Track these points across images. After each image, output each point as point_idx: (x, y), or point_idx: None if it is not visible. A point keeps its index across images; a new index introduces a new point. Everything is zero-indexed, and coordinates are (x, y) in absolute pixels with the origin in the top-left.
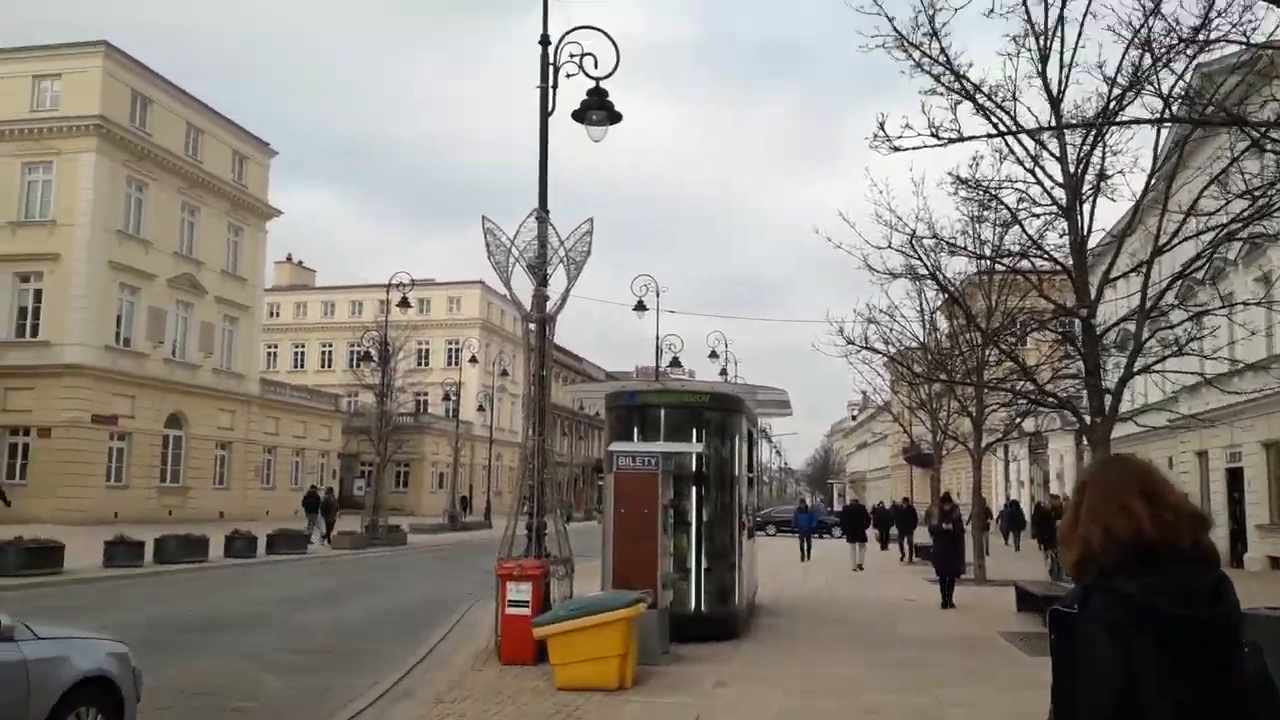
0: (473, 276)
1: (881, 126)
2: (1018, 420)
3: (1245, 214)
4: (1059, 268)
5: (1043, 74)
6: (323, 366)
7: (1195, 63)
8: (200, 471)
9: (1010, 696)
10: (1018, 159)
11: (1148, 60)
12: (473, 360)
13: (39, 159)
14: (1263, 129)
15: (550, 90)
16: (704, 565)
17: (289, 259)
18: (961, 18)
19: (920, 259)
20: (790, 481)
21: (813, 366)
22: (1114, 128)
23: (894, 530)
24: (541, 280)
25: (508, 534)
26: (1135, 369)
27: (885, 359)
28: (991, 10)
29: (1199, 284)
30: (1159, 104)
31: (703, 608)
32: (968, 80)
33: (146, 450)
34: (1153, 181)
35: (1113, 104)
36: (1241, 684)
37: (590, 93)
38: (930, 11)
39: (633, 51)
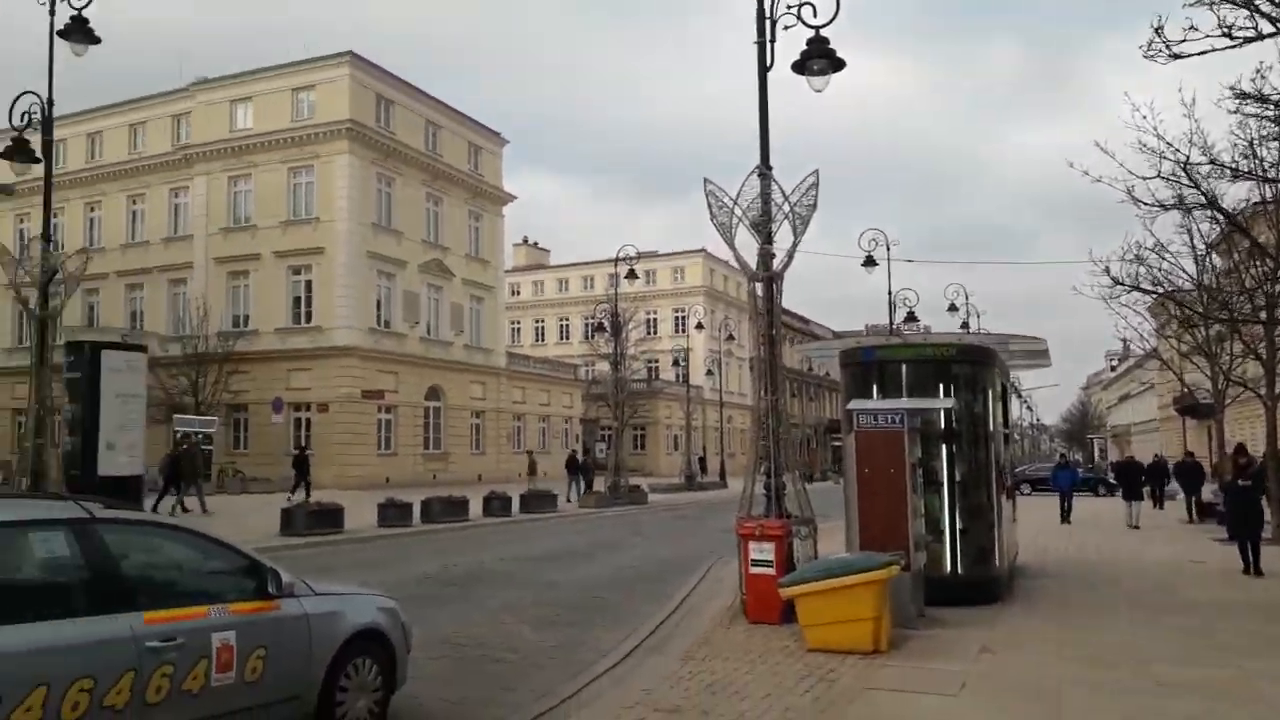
0: (695, 246)
1: (1158, 31)
2: None
3: None
4: None
5: None
6: (561, 339)
7: None
8: (458, 438)
9: None
10: None
11: None
12: (699, 327)
13: (301, 164)
14: None
15: (768, 45)
16: (959, 526)
17: (525, 241)
18: None
19: (1196, 186)
20: (1044, 438)
21: (1063, 317)
22: None
23: (1171, 487)
24: (766, 238)
25: (746, 493)
26: None
27: (1155, 299)
28: None
29: None
30: None
31: (959, 570)
32: None
33: (410, 421)
34: None
35: None
36: None
37: (810, 41)
38: None
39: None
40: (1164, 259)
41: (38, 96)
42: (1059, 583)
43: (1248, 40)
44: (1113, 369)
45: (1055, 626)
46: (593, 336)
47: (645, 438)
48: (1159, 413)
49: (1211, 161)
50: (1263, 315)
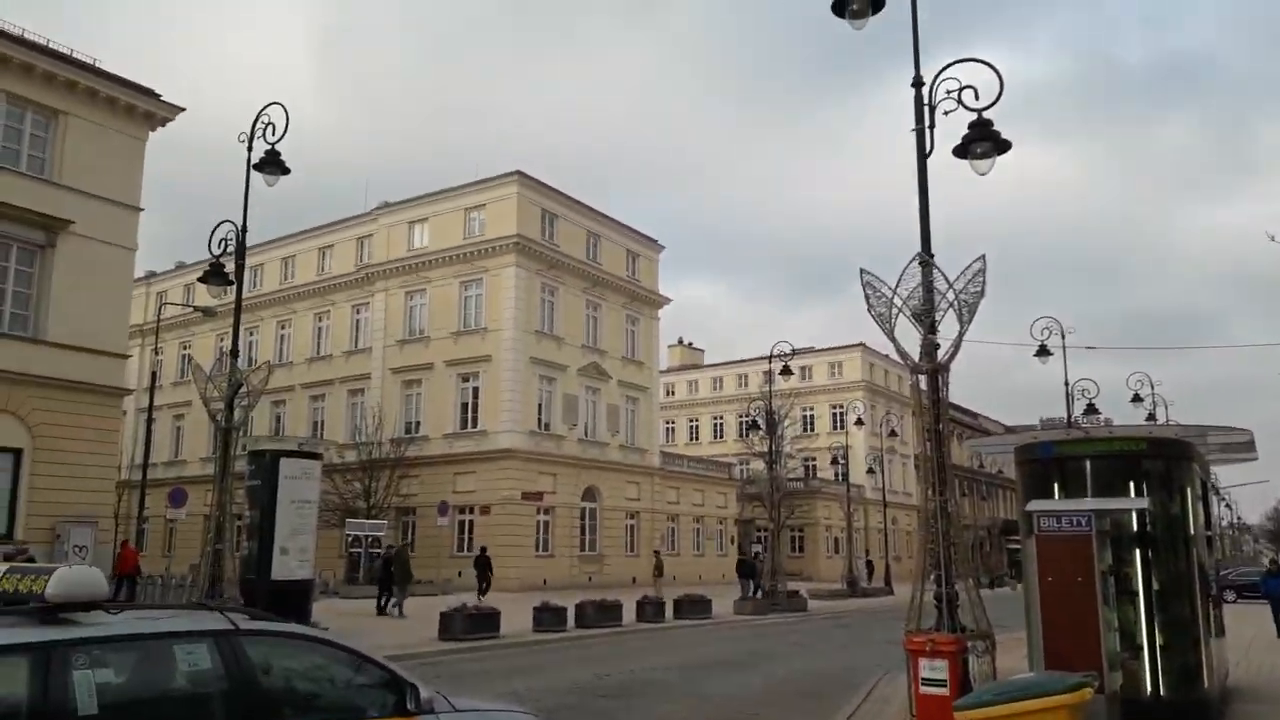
0: (851, 340)
1: None
2: None
3: None
4: None
5: None
6: (715, 438)
7: None
8: (613, 540)
9: None
10: None
11: None
12: (859, 422)
13: (472, 277)
14: None
15: (927, 131)
16: (1159, 641)
17: (680, 341)
18: None
19: None
20: (1247, 539)
21: (1267, 403)
22: None
23: None
24: (930, 328)
25: (914, 604)
26: None
27: None
28: None
29: None
30: None
31: (1162, 691)
32: None
33: (567, 522)
34: None
35: None
36: None
37: (973, 125)
38: None
39: (1005, 93)
40: None
41: (234, 225)
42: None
43: None
44: None
45: None
46: (747, 434)
47: (804, 539)
48: None
49: None
50: None
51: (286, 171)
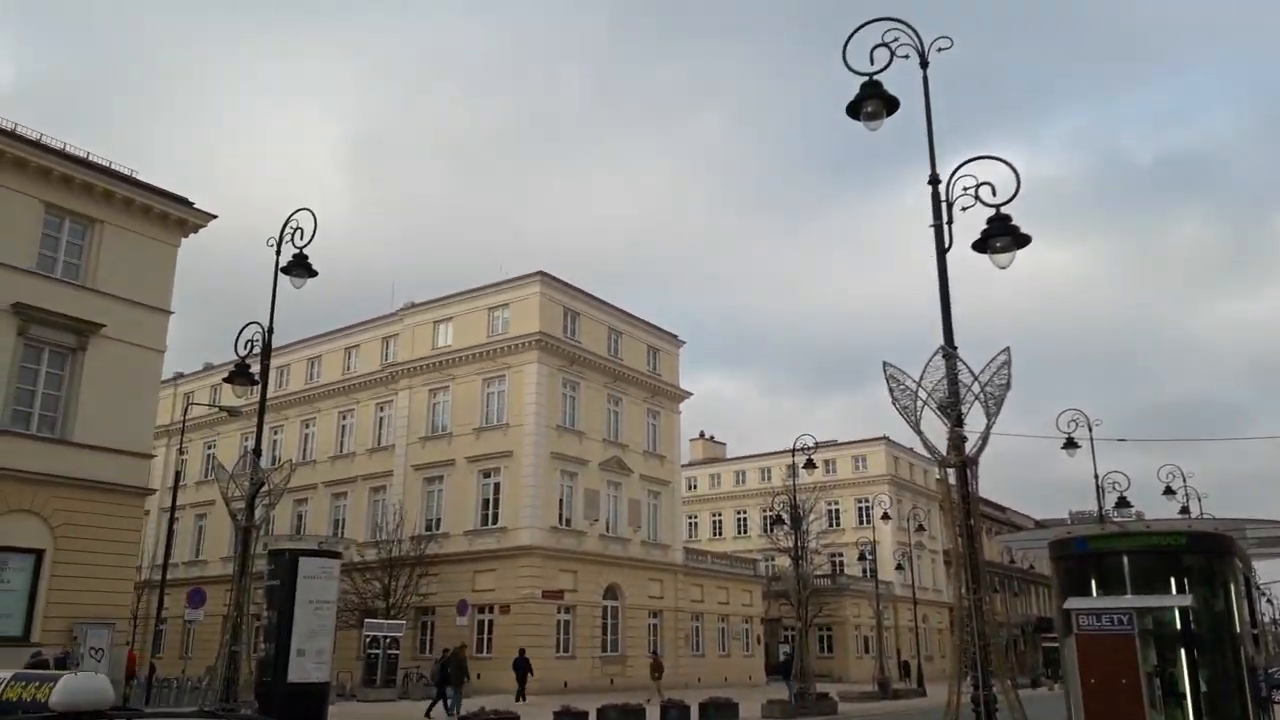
0: (875, 433)
1: None
2: None
3: None
4: None
5: None
6: (739, 533)
7: None
8: (635, 639)
9: None
10: None
11: None
12: (885, 517)
13: (494, 374)
14: None
15: (945, 226)
16: None
17: (701, 435)
18: None
19: None
20: None
21: None
22: None
23: None
24: (956, 420)
25: (951, 707)
26: None
27: None
28: None
29: None
30: None
31: None
32: None
33: (588, 621)
34: None
35: None
36: None
37: (991, 220)
38: None
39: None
40: None
41: (260, 326)
42: None
43: None
44: None
45: None
46: (771, 530)
47: (832, 639)
48: None
49: None
50: None
51: (314, 274)
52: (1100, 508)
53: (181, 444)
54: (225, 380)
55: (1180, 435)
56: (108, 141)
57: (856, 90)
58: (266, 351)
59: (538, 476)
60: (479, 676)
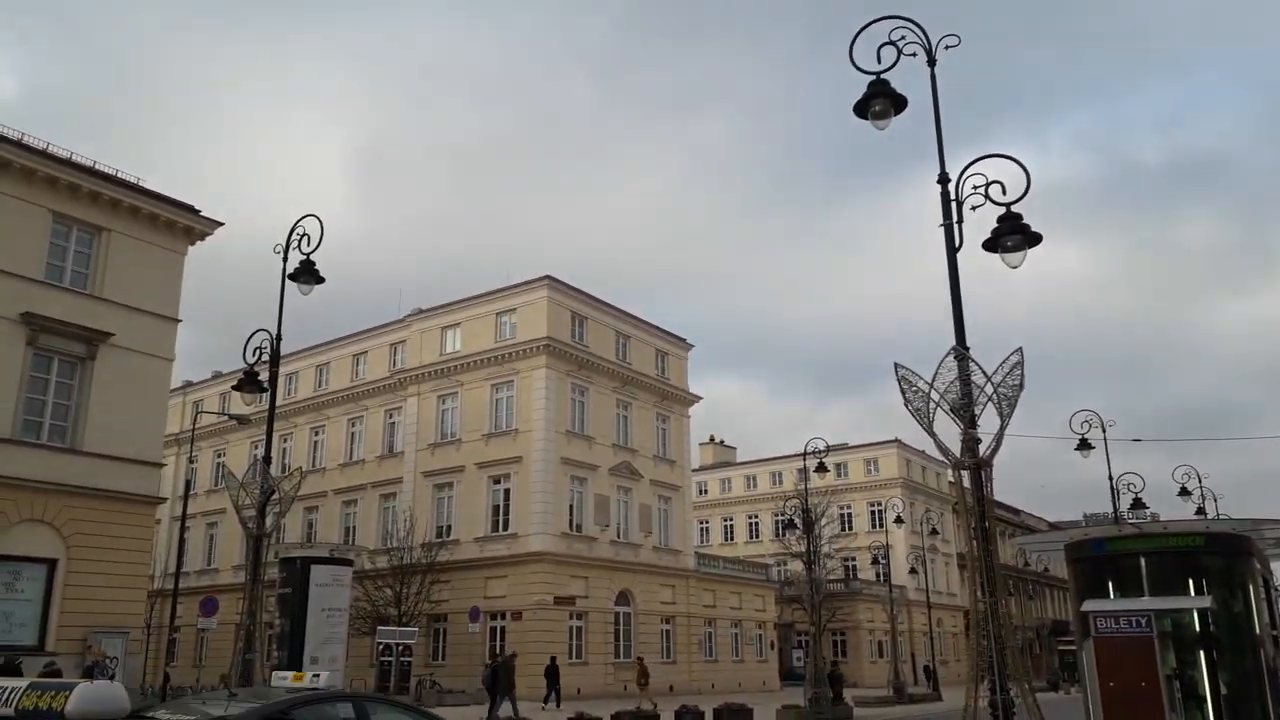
0: (886, 436)
1: None
2: None
3: None
4: None
5: None
6: (750, 537)
7: None
8: (648, 645)
9: None
10: None
11: None
12: (898, 520)
13: (503, 380)
14: None
15: (956, 226)
16: None
17: (711, 439)
18: None
19: None
20: None
21: None
22: None
23: None
24: (969, 422)
25: (968, 710)
26: None
27: None
28: None
29: None
30: None
31: None
32: None
33: (600, 628)
34: None
35: None
36: None
37: (1001, 219)
38: None
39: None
40: None
41: (269, 334)
42: None
43: None
44: None
45: None
46: (783, 534)
47: (846, 644)
48: None
49: None
50: None
51: (321, 281)
52: (1115, 509)
53: (191, 452)
54: (234, 388)
55: (1194, 435)
56: (113, 150)
57: (864, 89)
58: (275, 359)
59: (548, 482)
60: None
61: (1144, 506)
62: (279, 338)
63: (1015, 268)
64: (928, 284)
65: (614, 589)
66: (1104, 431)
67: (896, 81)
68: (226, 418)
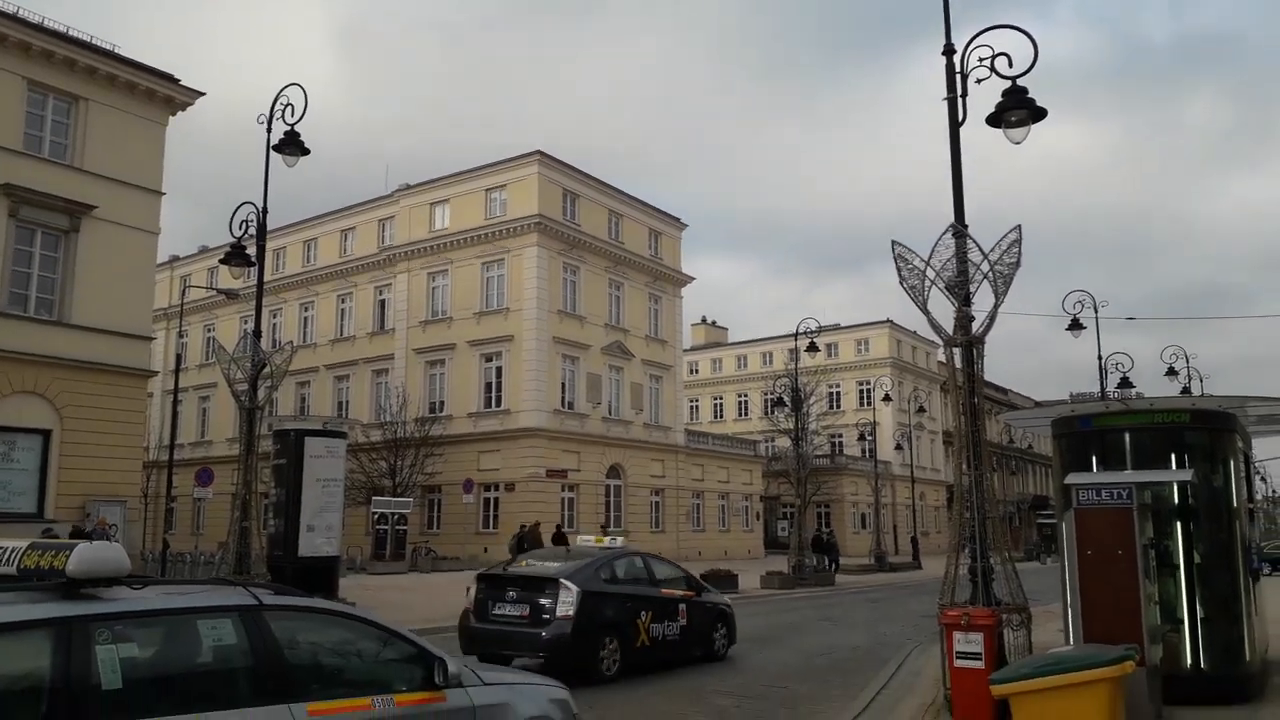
0: (878, 317)
1: None
2: None
3: None
4: None
5: None
6: (740, 416)
7: None
8: (638, 516)
9: None
10: None
11: None
12: (886, 399)
13: (494, 257)
14: None
15: (960, 99)
16: (1200, 615)
17: (703, 320)
18: None
19: None
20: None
21: None
22: None
23: None
24: (964, 300)
25: (948, 577)
26: None
27: None
28: None
29: None
30: None
31: (1202, 665)
32: None
33: (592, 498)
34: None
35: None
36: None
37: (1006, 93)
38: None
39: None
40: None
41: (255, 206)
42: None
43: None
44: None
45: None
46: (772, 412)
47: (830, 516)
48: None
49: None
50: None
51: (306, 152)
52: (1102, 388)
53: (181, 327)
54: (221, 262)
55: (1187, 314)
56: (91, 18)
57: None
58: (262, 232)
59: (540, 360)
60: (485, 550)
61: (1131, 386)
62: (265, 211)
63: (1018, 144)
64: (924, 164)
65: (605, 463)
66: (1096, 311)
67: None
68: (215, 292)
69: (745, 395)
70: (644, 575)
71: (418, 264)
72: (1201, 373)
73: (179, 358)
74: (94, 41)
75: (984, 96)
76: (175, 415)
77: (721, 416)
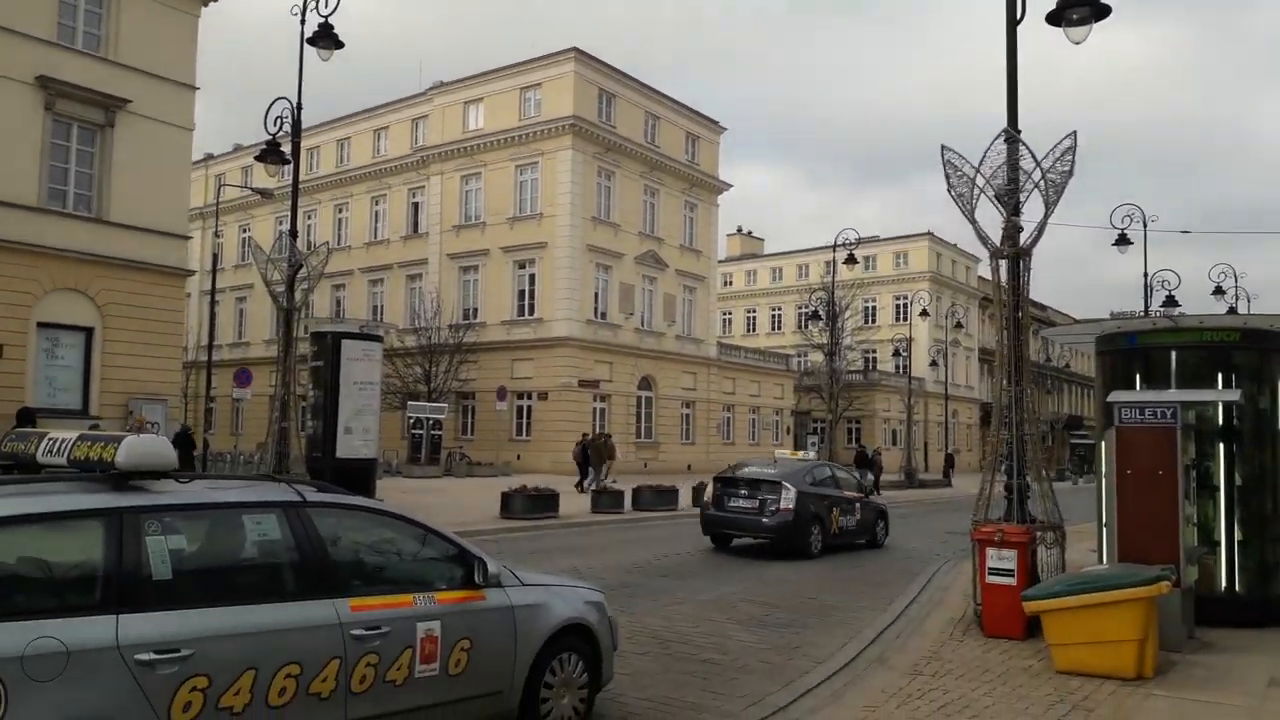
0: (918, 229)
1: None
2: None
3: None
4: None
5: None
6: (773, 329)
7: None
8: (669, 428)
9: None
10: None
11: None
12: (924, 314)
13: (527, 161)
14: None
15: None
16: (1237, 537)
17: (739, 230)
18: None
19: None
20: None
21: None
22: None
23: None
24: (1013, 209)
25: (983, 495)
26: None
27: None
28: None
29: None
30: None
31: (1236, 587)
32: None
33: (623, 410)
34: None
35: None
36: None
37: None
38: None
39: None
40: None
41: (289, 102)
42: None
43: None
44: None
45: None
46: (806, 325)
47: (860, 431)
48: None
49: None
50: None
51: (340, 45)
52: (1146, 305)
53: (217, 226)
54: (257, 159)
55: (1243, 229)
56: None
57: None
58: (296, 128)
59: (573, 269)
60: (518, 458)
61: (1176, 304)
62: (299, 106)
63: (1078, 43)
64: (977, 73)
65: (637, 374)
66: (1145, 226)
67: None
68: (250, 191)
69: (779, 309)
70: (830, 481)
71: (451, 166)
72: (1250, 292)
73: (215, 258)
74: None
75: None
76: (213, 316)
77: (754, 330)
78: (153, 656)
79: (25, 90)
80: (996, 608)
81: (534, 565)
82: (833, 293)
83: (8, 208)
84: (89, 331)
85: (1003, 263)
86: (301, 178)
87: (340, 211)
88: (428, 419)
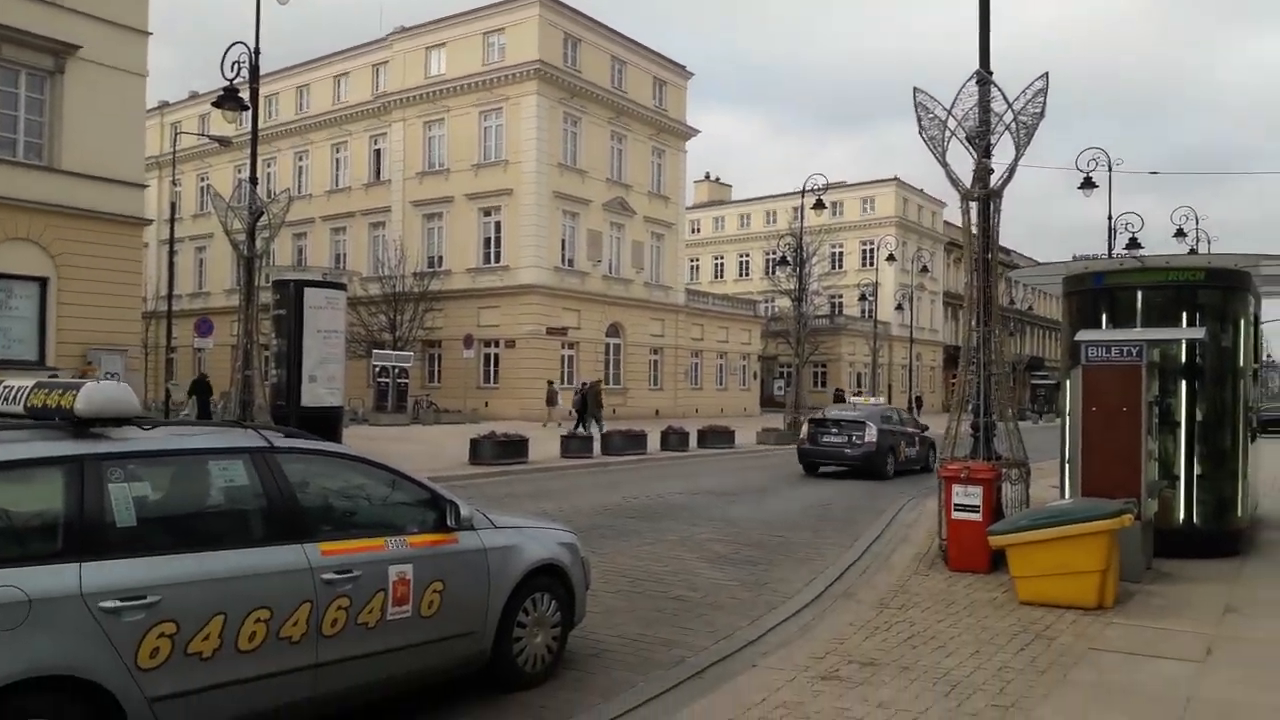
0: (884, 175)
1: None
2: None
3: None
4: None
5: None
6: (740, 275)
7: None
8: (637, 374)
9: None
10: None
11: None
12: (890, 259)
13: (492, 107)
14: None
15: None
16: (1196, 472)
17: (707, 177)
18: None
19: None
20: (1273, 375)
21: None
22: None
23: None
24: (984, 151)
25: (950, 433)
26: None
27: None
28: None
29: None
30: None
31: (1195, 520)
32: None
33: (591, 356)
34: None
35: None
36: None
37: None
38: None
39: None
40: None
41: (246, 47)
42: None
43: None
44: None
45: None
46: (773, 271)
47: (826, 375)
48: None
49: None
50: None
51: None
52: (1110, 247)
53: (174, 175)
54: (214, 105)
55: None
56: None
57: None
58: (255, 73)
59: (539, 216)
60: (486, 405)
61: (1139, 246)
62: (257, 51)
63: None
64: (947, 24)
65: (605, 321)
66: (1110, 170)
67: None
68: (207, 139)
69: (747, 255)
70: (896, 420)
71: (413, 113)
72: (1210, 235)
73: (173, 206)
74: None
75: None
76: (172, 265)
77: (722, 276)
78: (117, 604)
79: None
80: (962, 543)
81: (505, 509)
82: (800, 238)
83: None
84: (43, 281)
85: (973, 205)
86: (261, 125)
87: (301, 159)
88: (394, 367)
